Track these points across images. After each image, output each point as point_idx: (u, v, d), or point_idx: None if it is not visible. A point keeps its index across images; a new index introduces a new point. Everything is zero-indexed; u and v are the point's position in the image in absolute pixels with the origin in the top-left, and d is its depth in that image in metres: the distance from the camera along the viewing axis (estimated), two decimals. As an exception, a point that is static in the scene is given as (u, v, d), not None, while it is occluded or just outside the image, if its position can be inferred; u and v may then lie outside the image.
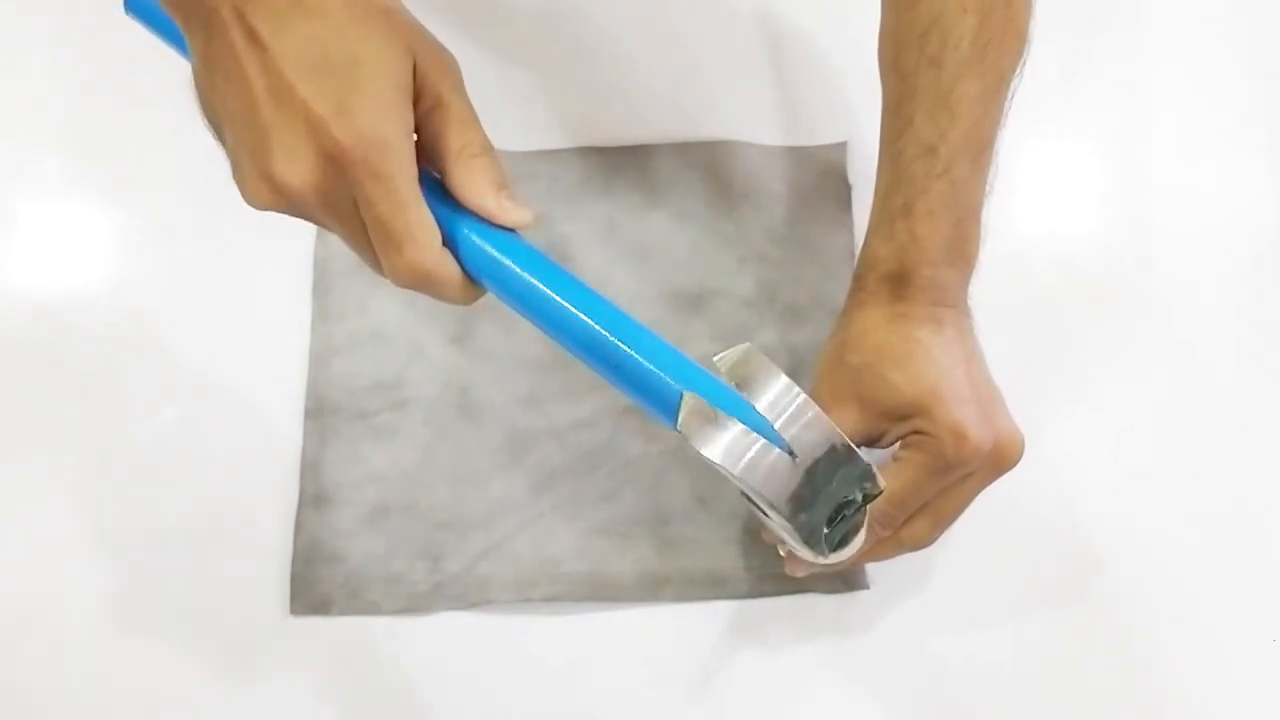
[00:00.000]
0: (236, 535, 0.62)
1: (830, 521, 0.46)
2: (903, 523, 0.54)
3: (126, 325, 0.66)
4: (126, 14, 0.56)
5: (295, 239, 0.67)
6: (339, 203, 0.43)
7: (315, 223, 0.46)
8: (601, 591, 0.61)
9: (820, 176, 0.70)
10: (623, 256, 0.68)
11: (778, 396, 0.44)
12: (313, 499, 0.62)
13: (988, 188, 0.56)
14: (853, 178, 0.70)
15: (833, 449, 0.44)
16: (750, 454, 0.43)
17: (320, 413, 0.64)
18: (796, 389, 0.44)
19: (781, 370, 0.44)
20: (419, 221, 0.43)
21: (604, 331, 0.45)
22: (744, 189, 0.70)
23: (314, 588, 0.61)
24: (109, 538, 0.62)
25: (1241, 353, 0.67)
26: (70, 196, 0.70)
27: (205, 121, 0.48)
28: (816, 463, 0.44)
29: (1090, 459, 0.65)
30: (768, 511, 0.45)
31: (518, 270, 0.45)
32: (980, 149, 0.55)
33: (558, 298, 0.45)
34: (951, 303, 0.55)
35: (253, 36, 0.42)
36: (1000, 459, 0.53)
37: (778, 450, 0.44)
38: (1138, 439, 0.65)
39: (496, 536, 0.62)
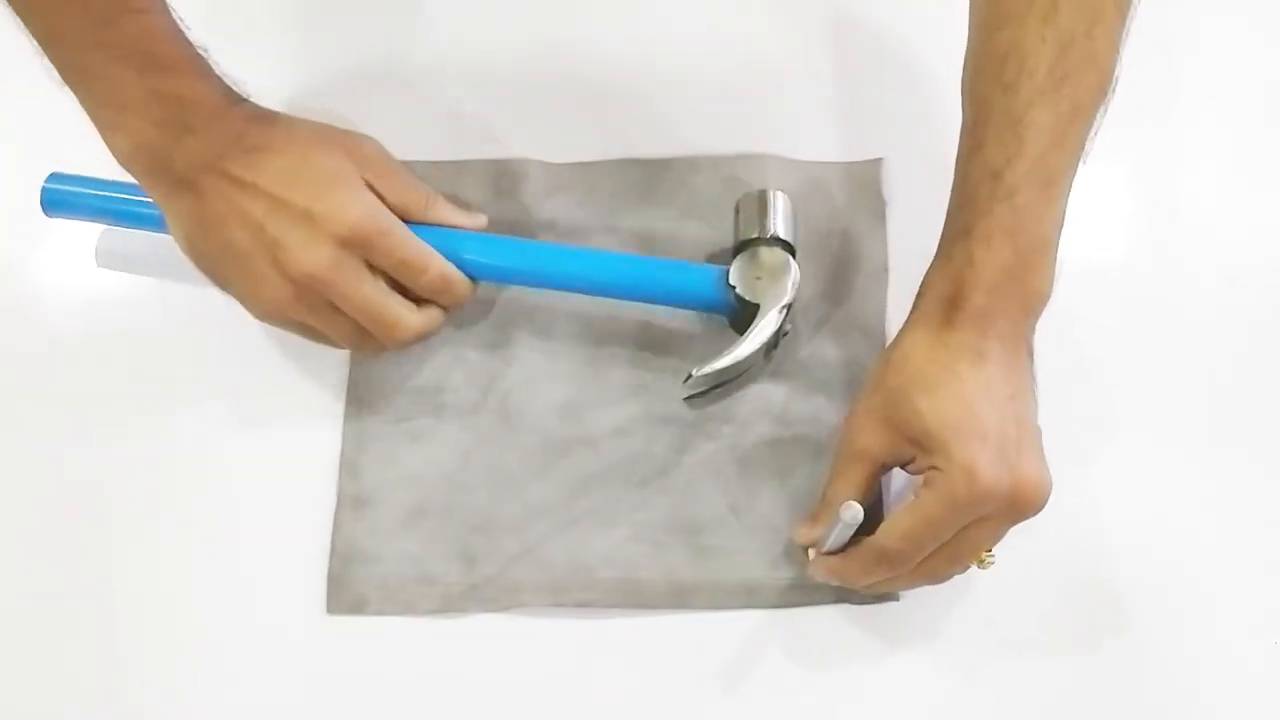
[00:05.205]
0: (275, 534, 0.63)
1: None
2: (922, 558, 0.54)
3: (168, 325, 0.67)
4: (48, 216, 0.66)
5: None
6: (350, 276, 0.58)
7: (319, 323, 0.60)
8: (633, 599, 0.61)
9: (856, 193, 0.71)
10: (658, 269, 0.69)
11: None
12: (351, 500, 0.63)
13: (1061, 221, 0.55)
14: (888, 194, 0.70)
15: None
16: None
17: (359, 415, 0.65)
18: None
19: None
20: (426, 249, 0.60)
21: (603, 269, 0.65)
22: (780, 204, 0.70)
23: (350, 587, 0.61)
24: (148, 534, 0.63)
25: (1274, 381, 0.67)
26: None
27: (205, 273, 0.60)
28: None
29: (1124, 487, 0.64)
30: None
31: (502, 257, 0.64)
32: (1050, 180, 0.54)
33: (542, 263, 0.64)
34: (1002, 335, 0.54)
35: (238, 181, 0.56)
36: (1018, 505, 0.53)
37: None
38: (1173, 471, 0.65)
39: (530, 541, 0.62)
